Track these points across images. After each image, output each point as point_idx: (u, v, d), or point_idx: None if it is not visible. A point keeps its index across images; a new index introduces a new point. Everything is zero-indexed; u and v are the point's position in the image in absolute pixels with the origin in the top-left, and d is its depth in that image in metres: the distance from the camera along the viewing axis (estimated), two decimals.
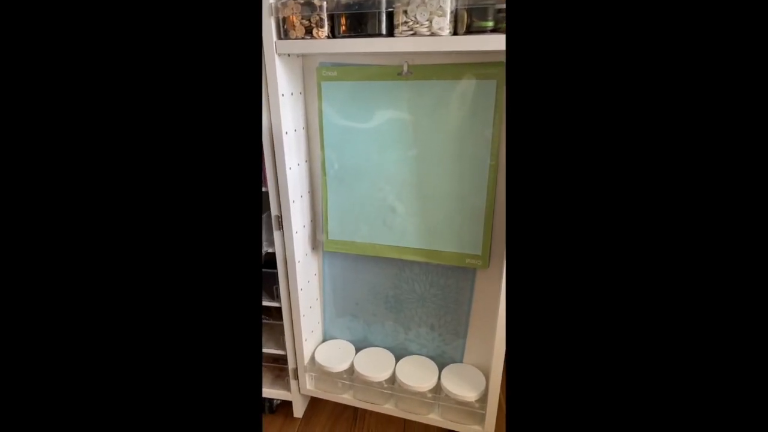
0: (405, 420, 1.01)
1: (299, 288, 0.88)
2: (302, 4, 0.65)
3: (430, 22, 0.61)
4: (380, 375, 0.92)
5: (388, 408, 0.94)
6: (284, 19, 0.67)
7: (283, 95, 0.74)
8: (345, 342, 1.03)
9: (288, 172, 0.78)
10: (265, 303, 0.93)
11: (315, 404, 1.07)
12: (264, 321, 1.00)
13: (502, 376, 0.82)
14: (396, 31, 0.63)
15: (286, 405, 1.04)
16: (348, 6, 0.64)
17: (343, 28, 0.66)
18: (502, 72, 0.70)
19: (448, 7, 0.60)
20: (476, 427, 0.88)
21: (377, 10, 0.63)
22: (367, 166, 0.83)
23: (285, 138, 0.76)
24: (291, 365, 0.97)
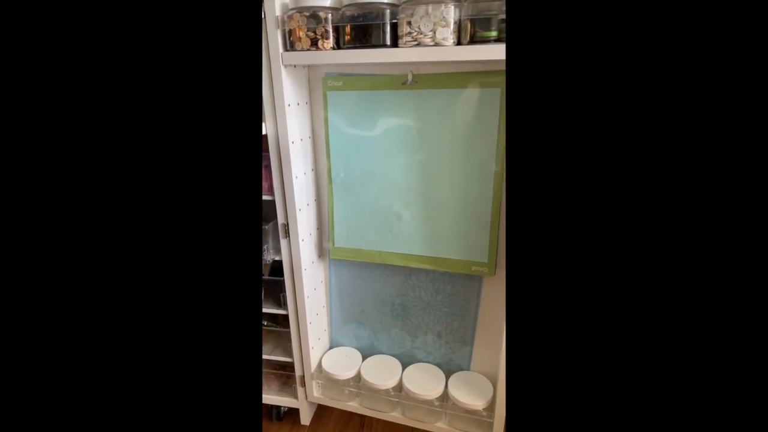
0: (412, 428, 1.00)
1: (306, 296, 0.88)
2: (308, 17, 0.66)
3: (434, 32, 0.61)
4: (387, 383, 0.92)
5: (395, 416, 0.94)
6: (290, 32, 0.68)
7: (289, 105, 0.75)
8: (352, 349, 1.03)
9: (294, 180, 0.79)
10: (272, 310, 0.94)
11: (322, 412, 1.07)
12: (271, 328, 1.01)
13: None
14: (400, 41, 0.64)
15: (294, 412, 1.04)
16: (353, 18, 0.65)
17: (348, 38, 0.67)
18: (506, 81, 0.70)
19: (452, 18, 0.61)
20: None
21: (381, 22, 0.64)
22: (372, 174, 0.84)
23: (291, 147, 0.77)
24: (298, 372, 0.98)
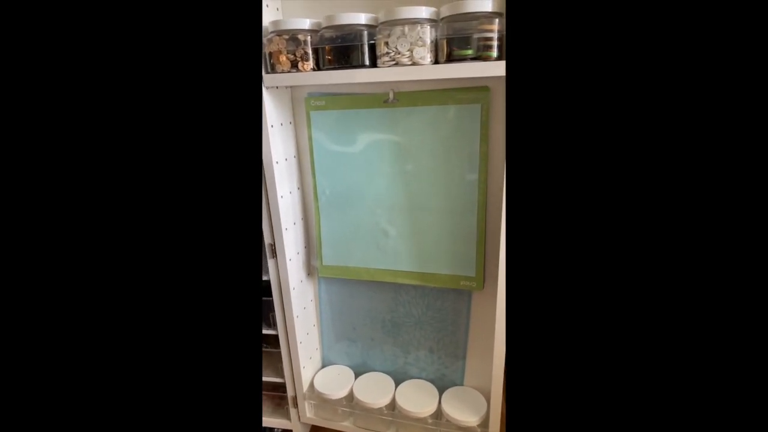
0: None
1: (295, 315, 0.88)
2: (287, 39, 0.67)
3: (411, 52, 0.62)
4: (380, 401, 0.91)
5: None
6: (270, 54, 0.69)
7: (272, 126, 0.75)
8: (344, 367, 1.02)
9: (280, 200, 0.79)
10: (263, 331, 0.93)
11: None
12: (262, 349, 1.00)
13: (503, 399, 0.80)
14: (379, 61, 0.65)
15: None
16: (331, 39, 0.66)
17: (329, 59, 0.68)
18: (485, 96, 0.71)
19: (428, 38, 0.61)
20: None
21: (359, 43, 0.65)
22: (358, 191, 0.84)
23: (276, 167, 0.77)
24: (290, 393, 0.96)
